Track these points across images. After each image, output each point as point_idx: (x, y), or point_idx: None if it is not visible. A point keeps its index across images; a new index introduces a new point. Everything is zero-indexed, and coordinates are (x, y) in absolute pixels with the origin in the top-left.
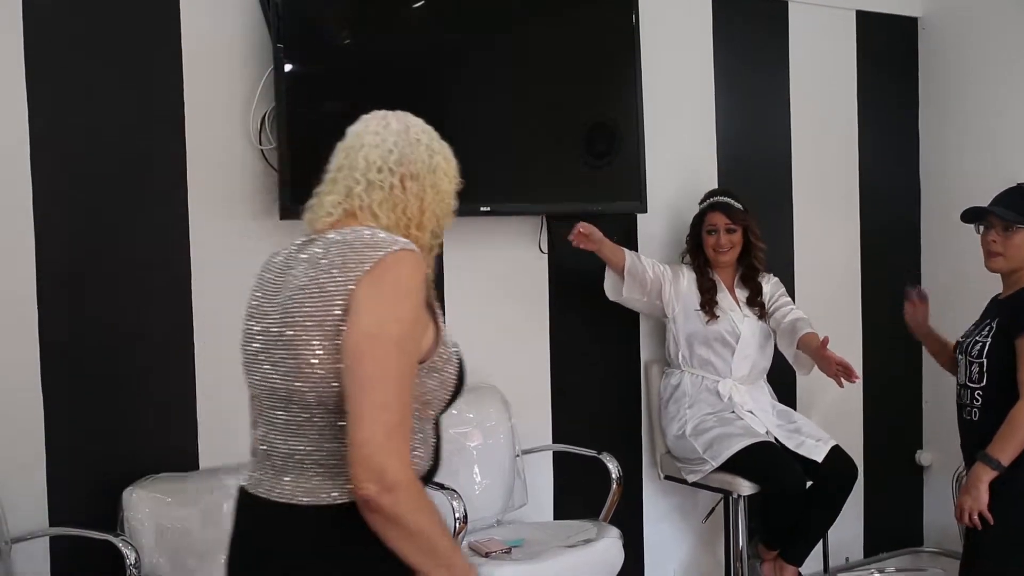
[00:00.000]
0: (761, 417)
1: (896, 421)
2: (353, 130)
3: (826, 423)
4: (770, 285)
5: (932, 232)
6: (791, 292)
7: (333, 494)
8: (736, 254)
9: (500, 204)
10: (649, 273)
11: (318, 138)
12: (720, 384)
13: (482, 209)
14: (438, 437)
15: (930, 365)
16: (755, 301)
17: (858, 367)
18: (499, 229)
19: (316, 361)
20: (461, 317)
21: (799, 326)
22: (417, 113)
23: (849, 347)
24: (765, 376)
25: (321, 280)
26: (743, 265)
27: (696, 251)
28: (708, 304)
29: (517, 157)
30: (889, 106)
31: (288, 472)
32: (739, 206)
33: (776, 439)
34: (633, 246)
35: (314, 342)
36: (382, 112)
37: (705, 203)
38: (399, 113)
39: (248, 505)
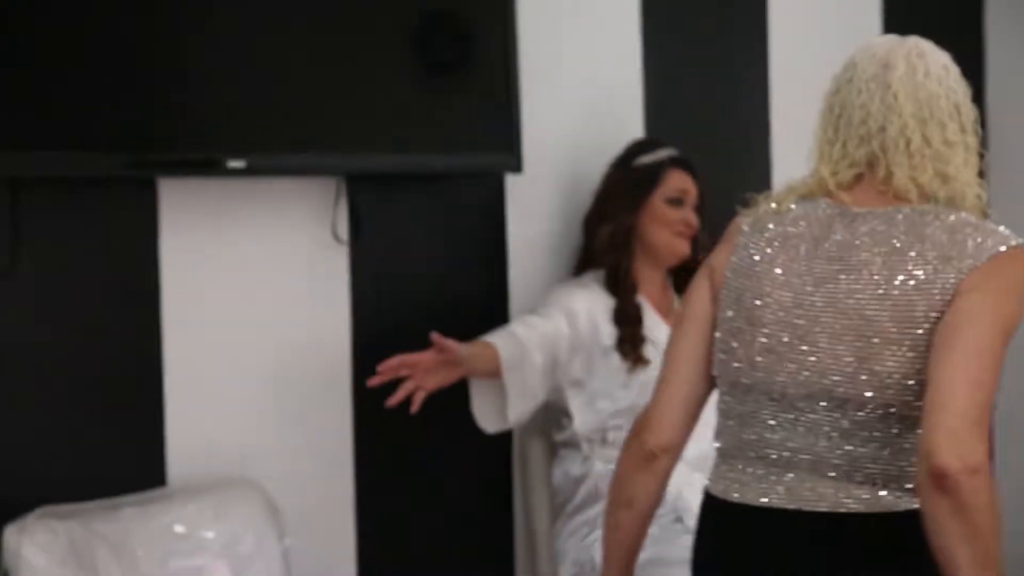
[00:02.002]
0: None
1: None
2: (865, 72)
3: None
4: None
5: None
6: None
7: (886, 500)
8: None
9: (263, 157)
10: (537, 353)
11: None
12: None
13: (230, 165)
14: None
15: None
16: None
17: None
18: (262, 200)
19: (894, 368)
20: (191, 352)
21: None
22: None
23: None
24: None
25: (916, 276)
26: (680, 271)
27: (625, 245)
28: (631, 340)
29: (292, 76)
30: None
31: (829, 479)
32: None
33: None
34: (499, 231)
35: (898, 346)
36: (886, 42)
37: (658, 154)
38: (907, 40)
39: (766, 519)
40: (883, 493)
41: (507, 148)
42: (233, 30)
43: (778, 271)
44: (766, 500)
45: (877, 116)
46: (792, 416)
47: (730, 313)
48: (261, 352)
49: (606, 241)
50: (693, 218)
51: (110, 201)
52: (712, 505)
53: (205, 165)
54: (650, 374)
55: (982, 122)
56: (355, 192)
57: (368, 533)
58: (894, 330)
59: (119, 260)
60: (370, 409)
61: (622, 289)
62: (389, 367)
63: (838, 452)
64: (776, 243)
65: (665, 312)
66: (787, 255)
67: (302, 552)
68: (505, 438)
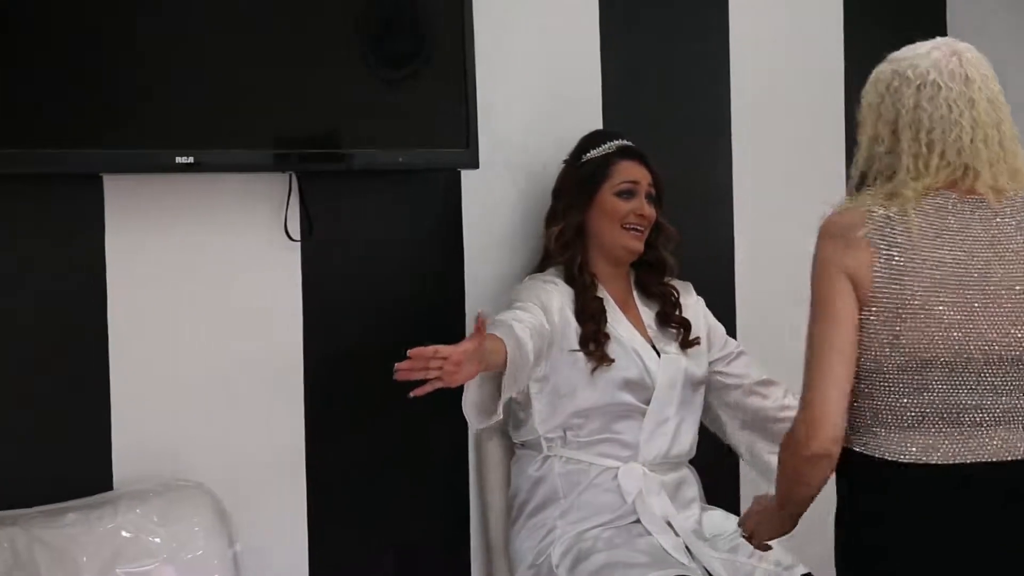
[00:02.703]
0: (683, 531)
1: None
2: (951, 90)
3: (798, 542)
4: (696, 304)
5: None
6: (731, 318)
7: None
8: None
9: (212, 152)
10: (530, 348)
11: None
12: (621, 473)
13: (179, 161)
14: None
15: None
16: (671, 319)
17: None
18: (211, 197)
19: None
20: (140, 351)
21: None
22: None
23: None
24: (689, 461)
25: None
26: (641, 264)
27: (576, 243)
28: (594, 337)
29: (243, 71)
30: (895, 19)
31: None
32: None
33: (707, 571)
34: (455, 228)
35: None
36: (950, 54)
37: (606, 147)
38: (960, 45)
39: (971, 476)
40: None
41: (463, 143)
42: (183, 23)
43: (940, 259)
44: (971, 458)
45: (968, 129)
46: (980, 381)
47: (893, 305)
48: (210, 353)
49: (557, 240)
50: (646, 208)
51: (54, 199)
52: (899, 470)
53: (152, 161)
54: (613, 373)
55: None
56: (307, 189)
57: (321, 537)
58: None
59: (64, 259)
60: (322, 411)
61: (580, 286)
62: (422, 356)
63: None
64: (925, 237)
65: (626, 307)
66: (941, 244)
67: (253, 558)
68: (462, 438)
